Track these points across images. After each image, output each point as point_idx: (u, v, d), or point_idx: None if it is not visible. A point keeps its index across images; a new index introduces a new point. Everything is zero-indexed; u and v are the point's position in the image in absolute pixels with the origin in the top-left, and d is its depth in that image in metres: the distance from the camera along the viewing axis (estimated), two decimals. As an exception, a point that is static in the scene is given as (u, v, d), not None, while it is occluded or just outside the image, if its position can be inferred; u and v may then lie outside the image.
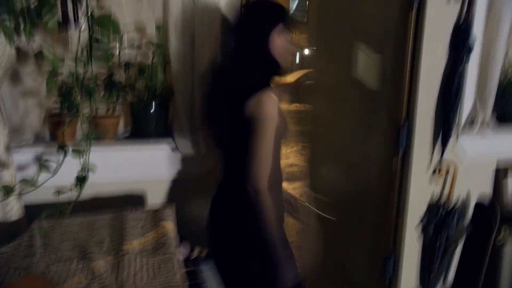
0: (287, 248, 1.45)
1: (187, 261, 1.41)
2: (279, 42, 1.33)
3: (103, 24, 1.19)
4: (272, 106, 1.27)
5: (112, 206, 1.46)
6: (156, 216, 1.38)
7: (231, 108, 1.32)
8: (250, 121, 1.27)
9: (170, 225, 1.33)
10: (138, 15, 1.65)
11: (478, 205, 2.01)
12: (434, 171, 1.84)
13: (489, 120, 2.05)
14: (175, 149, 1.71)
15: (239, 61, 1.35)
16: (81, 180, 1.19)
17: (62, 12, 1.46)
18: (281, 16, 1.34)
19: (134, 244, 1.22)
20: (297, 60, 19.91)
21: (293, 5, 19.49)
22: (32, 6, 1.03)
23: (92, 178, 1.28)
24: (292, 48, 1.39)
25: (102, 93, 1.56)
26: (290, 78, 14.90)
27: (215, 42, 1.63)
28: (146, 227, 1.32)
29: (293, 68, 18.21)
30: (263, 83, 1.30)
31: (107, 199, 1.66)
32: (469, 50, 1.70)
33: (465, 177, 1.88)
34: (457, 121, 1.81)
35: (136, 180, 1.68)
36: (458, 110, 1.80)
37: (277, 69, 1.38)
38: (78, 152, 1.15)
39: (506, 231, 1.97)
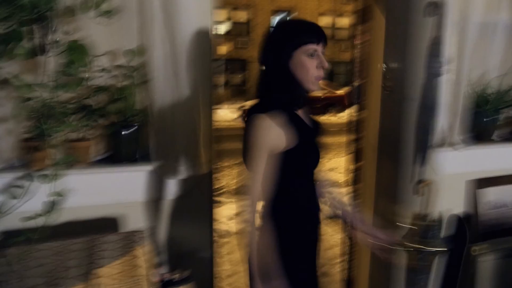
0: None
1: (164, 284, 1.42)
2: (302, 63, 1.26)
3: (73, 50, 1.23)
4: (261, 130, 1.22)
5: (87, 231, 1.47)
6: (129, 239, 1.40)
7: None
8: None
9: (143, 248, 1.34)
10: (114, 39, 1.68)
11: (454, 218, 2.06)
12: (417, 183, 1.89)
13: (462, 136, 2.11)
14: (152, 172, 1.73)
15: (261, 81, 1.36)
16: (49, 205, 1.20)
17: (34, 38, 1.48)
18: (306, 35, 1.26)
19: (106, 268, 1.23)
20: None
21: (275, 22, 19.89)
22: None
23: (66, 202, 1.29)
24: (315, 72, 1.28)
25: (73, 117, 1.57)
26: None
27: (201, 65, 1.67)
28: (119, 251, 1.34)
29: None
30: (272, 105, 1.27)
31: (83, 223, 1.66)
32: (441, 64, 1.76)
33: (442, 192, 1.93)
34: (433, 135, 1.87)
35: (112, 204, 1.69)
36: (434, 125, 1.86)
37: (298, 92, 1.31)
38: (45, 178, 1.16)
39: (481, 244, 2.03)
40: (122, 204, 1.70)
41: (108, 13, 1.51)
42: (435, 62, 1.74)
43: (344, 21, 19.52)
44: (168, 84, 1.65)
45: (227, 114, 14.82)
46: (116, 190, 1.68)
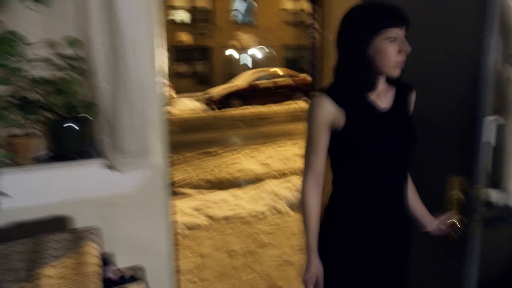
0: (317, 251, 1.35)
1: (114, 281, 1.40)
2: (383, 49, 1.22)
3: (3, 42, 1.17)
4: (313, 107, 1.29)
5: (35, 232, 1.43)
6: (79, 237, 1.37)
7: None
8: None
9: (92, 246, 1.32)
10: (53, 28, 1.62)
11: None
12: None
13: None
14: (102, 166, 1.69)
15: (335, 70, 1.33)
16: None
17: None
18: (388, 19, 1.21)
19: (52, 268, 1.20)
20: (248, 62, 20.16)
21: (242, 7, 19.74)
22: None
23: (8, 203, 1.25)
24: (397, 57, 1.23)
25: (10, 112, 1.51)
26: (239, 81, 15.09)
27: (149, 54, 1.63)
28: (66, 250, 1.31)
29: (242, 71, 18.43)
30: (335, 86, 1.31)
31: (29, 224, 1.62)
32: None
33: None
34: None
35: (60, 202, 1.65)
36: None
37: (370, 77, 1.28)
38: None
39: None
40: (71, 202, 1.66)
41: (44, 0, 1.45)
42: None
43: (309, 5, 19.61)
44: (113, 74, 1.60)
45: (192, 103, 14.68)
46: (64, 188, 1.65)
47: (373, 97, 1.30)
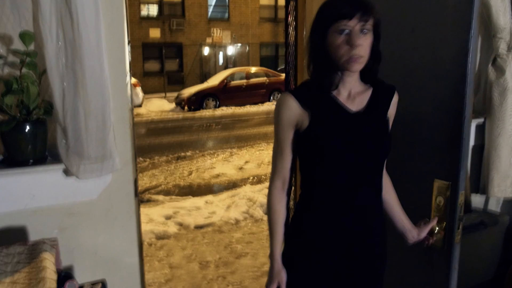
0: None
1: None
2: (332, 42, 1.22)
3: None
4: (279, 106, 1.31)
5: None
6: (32, 250, 1.33)
7: None
8: None
9: (48, 260, 1.28)
10: (3, 23, 1.57)
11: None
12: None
13: None
14: (62, 172, 1.65)
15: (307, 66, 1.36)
16: None
17: None
18: (337, 11, 1.20)
19: (1, 285, 1.15)
20: (222, 60, 20.13)
21: (213, 1, 19.69)
22: None
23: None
24: (347, 51, 1.20)
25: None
26: (214, 80, 15.04)
27: (111, 51, 1.60)
28: (21, 263, 1.27)
29: (216, 69, 18.39)
30: (302, 84, 1.36)
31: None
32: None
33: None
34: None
35: (12, 212, 1.60)
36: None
37: (329, 74, 1.27)
38: None
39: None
40: (25, 211, 1.61)
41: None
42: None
43: None
44: (70, 72, 1.56)
45: (163, 104, 14.53)
46: (18, 196, 1.59)
47: (343, 98, 1.30)
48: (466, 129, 1.45)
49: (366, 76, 1.32)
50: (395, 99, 1.38)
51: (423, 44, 1.58)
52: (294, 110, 1.28)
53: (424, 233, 1.44)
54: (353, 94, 1.31)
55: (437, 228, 1.48)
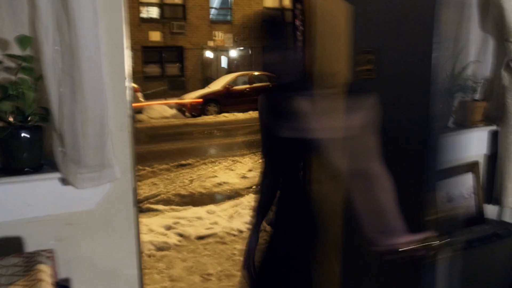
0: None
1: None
2: None
3: None
4: (259, 108, 1.57)
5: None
6: (28, 262, 1.34)
7: None
8: None
9: (45, 272, 1.28)
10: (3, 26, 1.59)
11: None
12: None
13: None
14: (59, 181, 1.66)
15: None
16: None
17: None
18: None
19: (-2, 298, 1.16)
20: (225, 64, 20.20)
21: (215, 3, 19.81)
22: None
23: None
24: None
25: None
26: (216, 85, 15.08)
27: (110, 55, 1.64)
28: (16, 275, 1.27)
29: (218, 74, 18.43)
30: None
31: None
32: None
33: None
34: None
35: (8, 222, 1.61)
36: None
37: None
38: None
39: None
40: (22, 221, 1.62)
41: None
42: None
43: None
44: (68, 77, 1.57)
45: (164, 109, 14.58)
46: (14, 205, 1.60)
47: (306, 100, 1.40)
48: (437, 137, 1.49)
49: None
50: (365, 105, 1.47)
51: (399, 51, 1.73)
52: (263, 111, 1.58)
53: (415, 244, 1.33)
54: (316, 98, 1.53)
55: (430, 242, 1.37)
